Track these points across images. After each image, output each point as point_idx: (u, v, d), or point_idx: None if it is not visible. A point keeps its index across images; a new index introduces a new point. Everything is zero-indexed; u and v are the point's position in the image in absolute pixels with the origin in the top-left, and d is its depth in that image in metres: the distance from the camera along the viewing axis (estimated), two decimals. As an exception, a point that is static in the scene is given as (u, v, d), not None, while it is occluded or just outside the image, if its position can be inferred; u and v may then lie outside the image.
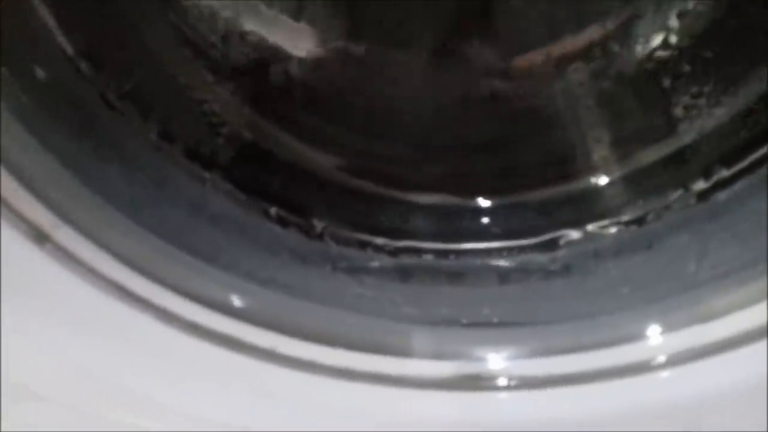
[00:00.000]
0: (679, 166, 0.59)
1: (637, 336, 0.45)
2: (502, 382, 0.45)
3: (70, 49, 0.48)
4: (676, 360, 0.43)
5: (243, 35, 0.61)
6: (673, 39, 0.63)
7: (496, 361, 0.46)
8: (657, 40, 0.63)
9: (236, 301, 0.47)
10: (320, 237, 0.56)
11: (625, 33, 0.64)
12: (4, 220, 0.39)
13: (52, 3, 0.47)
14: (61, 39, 0.48)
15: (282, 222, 0.56)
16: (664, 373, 0.44)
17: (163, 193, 0.51)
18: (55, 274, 0.40)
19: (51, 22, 0.47)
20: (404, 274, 0.58)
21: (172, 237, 0.47)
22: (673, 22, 0.63)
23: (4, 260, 0.39)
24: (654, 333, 0.46)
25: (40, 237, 0.40)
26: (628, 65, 0.64)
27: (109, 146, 0.49)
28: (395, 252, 0.58)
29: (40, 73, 0.45)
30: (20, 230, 0.40)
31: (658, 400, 0.43)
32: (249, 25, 0.62)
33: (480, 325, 0.51)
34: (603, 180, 0.61)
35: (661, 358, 0.44)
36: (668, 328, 0.45)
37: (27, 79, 0.45)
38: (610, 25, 0.64)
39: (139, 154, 0.51)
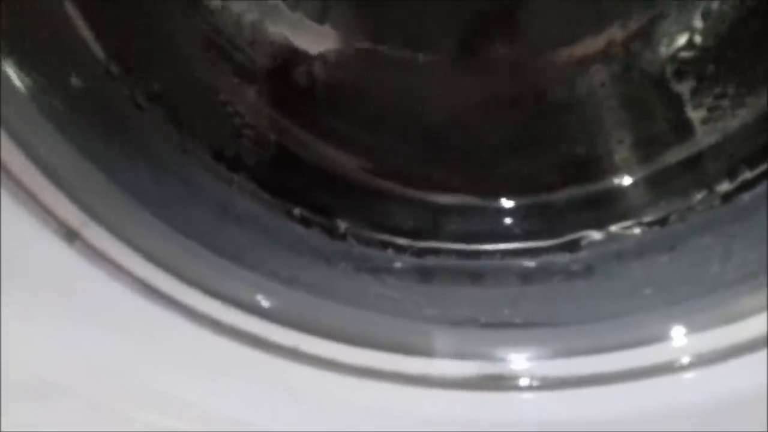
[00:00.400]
0: (702, 167, 0.59)
1: (661, 337, 0.45)
2: (524, 382, 0.45)
3: (101, 53, 0.49)
4: (701, 361, 0.43)
5: (268, 38, 0.62)
6: (698, 39, 0.62)
7: (519, 361, 0.46)
8: (681, 40, 0.63)
9: (260, 300, 0.48)
10: (343, 237, 0.57)
11: (649, 33, 0.64)
12: (35, 218, 0.40)
13: (84, 10, 0.48)
14: (93, 44, 0.49)
15: (305, 222, 0.56)
16: (689, 375, 0.44)
17: (190, 193, 0.51)
18: (84, 271, 0.41)
19: (84, 28, 0.48)
20: (426, 275, 0.58)
21: (199, 236, 0.48)
22: (698, 22, 0.63)
23: (35, 257, 0.40)
24: (678, 334, 0.46)
25: (69, 234, 0.41)
26: (652, 66, 0.64)
27: (137, 146, 0.50)
28: (418, 252, 0.58)
29: (72, 77, 0.46)
30: (51, 227, 0.41)
31: (683, 402, 0.43)
32: (274, 28, 0.62)
33: (502, 325, 0.51)
34: (626, 181, 0.61)
35: (686, 359, 0.44)
36: (692, 329, 0.45)
37: (59, 82, 0.46)
38: (633, 25, 0.64)
39: (166, 154, 0.52)
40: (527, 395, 0.45)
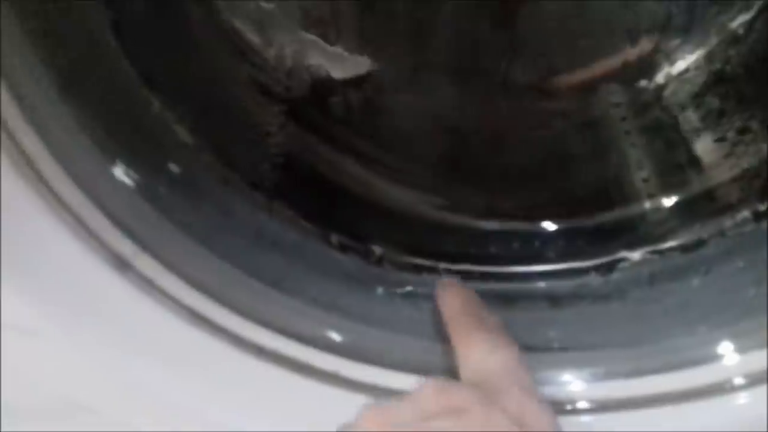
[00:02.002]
0: (736, 190, 0.59)
1: (707, 358, 0.46)
2: (568, 406, 0.46)
3: (146, 90, 0.51)
4: (752, 382, 0.44)
5: (305, 69, 0.63)
6: (729, 59, 0.63)
7: (564, 384, 0.47)
8: (712, 62, 0.63)
9: (301, 326, 0.49)
10: (379, 262, 0.58)
11: (676, 54, 0.65)
12: (90, 249, 0.42)
13: (133, 52, 0.50)
14: (140, 83, 0.51)
15: (342, 248, 0.57)
16: (740, 395, 0.44)
17: (230, 222, 0.53)
18: (137, 301, 0.42)
19: (132, 70, 0.50)
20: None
21: (240, 263, 0.49)
22: (730, 42, 0.63)
23: (89, 287, 0.42)
24: (726, 355, 0.46)
25: (122, 265, 0.42)
26: (685, 87, 0.64)
27: (182, 178, 0.51)
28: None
29: (119, 109, 0.48)
30: (104, 258, 0.42)
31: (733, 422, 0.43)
32: (312, 60, 0.64)
33: (539, 348, 0.51)
34: (658, 204, 0.61)
35: (738, 380, 0.44)
36: (738, 350, 0.45)
37: (108, 117, 0.47)
38: (664, 46, 0.65)
39: (208, 184, 0.53)
40: (571, 418, 0.46)
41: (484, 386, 0.39)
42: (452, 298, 0.49)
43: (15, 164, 0.41)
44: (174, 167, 0.51)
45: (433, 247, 0.60)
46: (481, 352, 0.42)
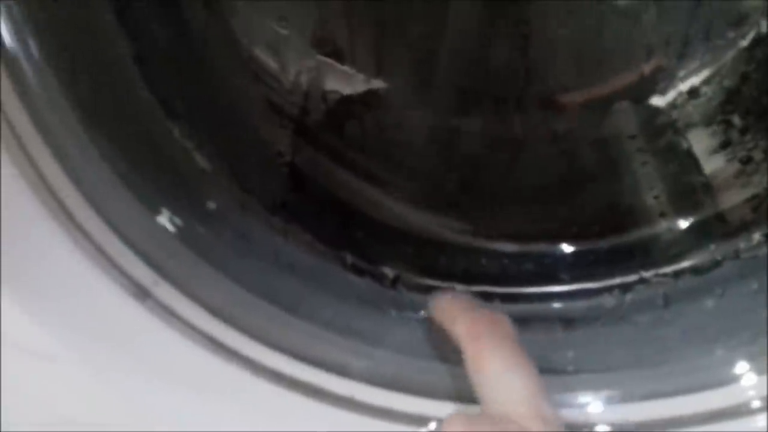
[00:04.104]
0: (749, 211, 0.59)
1: (724, 380, 0.46)
2: (585, 430, 0.46)
3: (165, 118, 0.52)
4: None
5: (321, 92, 0.64)
6: (742, 78, 0.63)
7: (584, 407, 0.47)
8: (724, 80, 0.64)
9: (316, 351, 0.49)
10: (393, 285, 0.58)
11: (688, 72, 0.65)
12: (110, 277, 0.42)
13: (153, 81, 0.51)
14: (160, 111, 0.51)
15: (357, 271, 0.57)
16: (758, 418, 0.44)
17: (248, 247, 0.53)
18: (155, 328, 0.43)
19: (152, 99, 0.51)
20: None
21: (257, 288, 0.49)
22: (742, 60, 0.63)
23: (109, 314, 0.42)
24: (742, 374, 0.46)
25: (142, 293, 0.43)
26: (697, 105, 0.65)
27: (199, 205, 0.52)
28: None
29: (139, 138, 0.49)
30: (123, 286, 0.43)
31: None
32: (327, 82, 0.65)
33: (554, 371, 0.51)
34: (672, 225, 0.62)
35: (755, 403, 0.44)
36: (757, 371, 0.45)
37: (129, 146, 0.48)
38: (675, 64, 0.65)
39: (226, 210, 0.54)
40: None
41: (506, 419, 0.40)
42: (453, 309, 0.48)
43: (37, 192, 0.42)
44: (193, 193, 0.52)
45: (446, 268, 0.60)
46: (500, 379, 0.42)
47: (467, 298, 0.51)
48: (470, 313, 0.46)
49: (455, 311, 0.47)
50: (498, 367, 0.42)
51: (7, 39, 0.42)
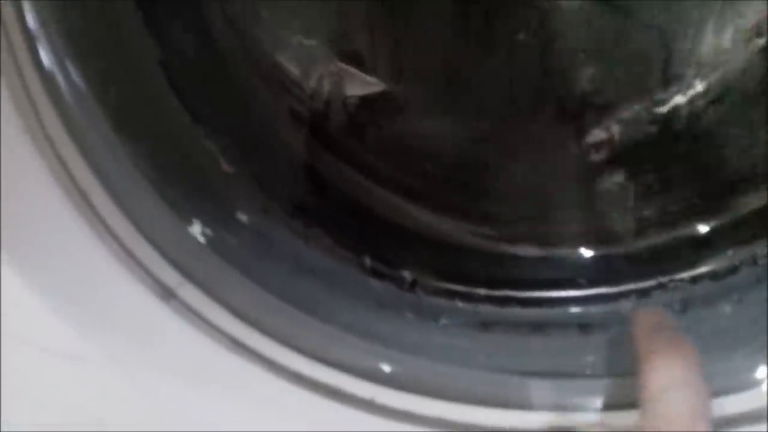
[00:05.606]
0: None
1: (746, 385, 0.46)
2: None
3: (191, 123, 0.53)
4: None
5: (343, 99, 0.65)
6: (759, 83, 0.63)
7: (593, 412, 0.47)
8: (741, 86, 0.63)
9: (336, 353, 0.50)
10: (411, 288, 0.59)
11: (705, 79, 0.65)
12: (137, 278, 0.43)
13: (180, 87, 0.52)
14: (186, 116, 0.52)
15: (376, 274, 0.58)
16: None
17: (270, 249, 0.54)
18: (179, 328, 0.44)
19: (179, 104, 0.52)
20: (486, 325, 0.59)
21: (279, 290, 0.50)
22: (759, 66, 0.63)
23: (135, 315, 0.43)
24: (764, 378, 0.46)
25: (166, 294, 0.44)
26: (714, 112, 0.65)
27: (224, 208, 0.53)
28: (483, 300, 0.59)
29: (167, 142, 0.50)
30: (149, 287, 0.44)
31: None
32: (349, 90, 0.66)
33: (571, 375, 0.52)
34: (690, 230, 0.62)
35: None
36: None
37: (157, 150, 0.49)
38: (692, 71, 0.65)
39: (248, 213, 0.55)
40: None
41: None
42: (647, 322, 0.47)
43: (69, 196, 0.43)
44: (216, 196, 0.53)
45: (465, 272, 0.60)
46: (666, 386, 0.41)
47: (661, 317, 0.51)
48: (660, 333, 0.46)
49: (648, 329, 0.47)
50: (669, 375, 0.42)
51: (46, 60, 0.44)
